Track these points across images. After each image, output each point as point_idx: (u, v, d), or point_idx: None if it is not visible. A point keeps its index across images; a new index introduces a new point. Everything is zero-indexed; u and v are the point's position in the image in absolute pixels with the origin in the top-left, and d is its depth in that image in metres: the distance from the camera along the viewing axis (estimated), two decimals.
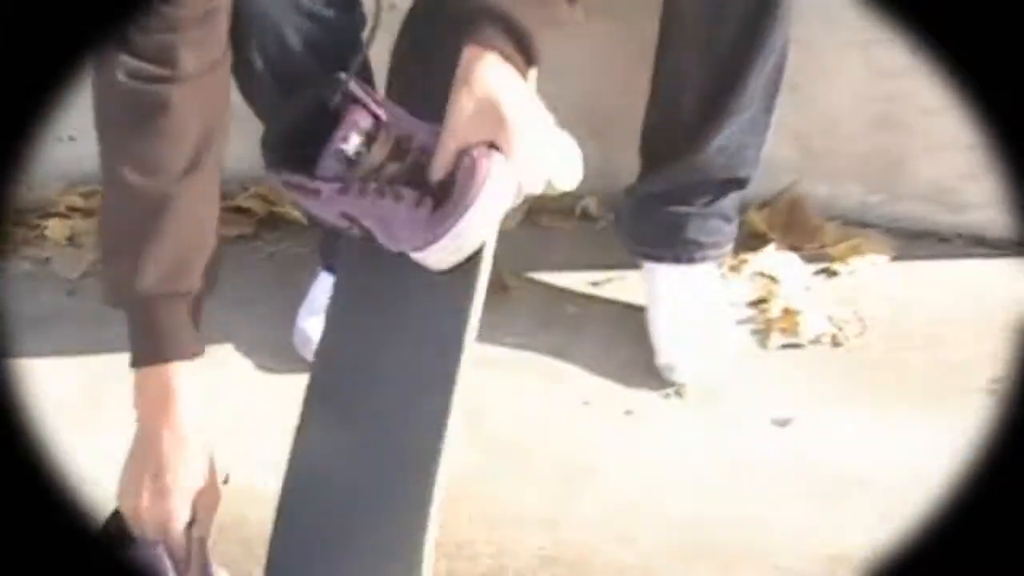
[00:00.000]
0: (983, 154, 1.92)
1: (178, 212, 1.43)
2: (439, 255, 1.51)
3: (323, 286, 1.89)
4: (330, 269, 1.89)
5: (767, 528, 1.58)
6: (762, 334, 1.91)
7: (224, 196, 2.05)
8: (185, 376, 1.43)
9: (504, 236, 2.01)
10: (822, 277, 2.01)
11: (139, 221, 1.43)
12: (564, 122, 1.73)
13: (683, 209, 1.92)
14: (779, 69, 1.86)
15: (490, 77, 1.44)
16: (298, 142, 1.50)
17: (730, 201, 1.93)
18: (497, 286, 1.93)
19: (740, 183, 1.91)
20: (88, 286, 2.07)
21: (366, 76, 1.73)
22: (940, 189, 2.06)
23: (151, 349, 1.44)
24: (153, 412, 1.43)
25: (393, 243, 1.53)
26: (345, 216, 1.53)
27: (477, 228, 1.52)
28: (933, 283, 1.99)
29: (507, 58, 1.44)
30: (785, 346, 1.89)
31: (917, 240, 2.06)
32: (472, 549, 1.63)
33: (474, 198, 1.51)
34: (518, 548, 1.63)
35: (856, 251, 2.02)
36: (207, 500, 1.43)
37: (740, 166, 1.90)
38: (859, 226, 2.08)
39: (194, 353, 1.45)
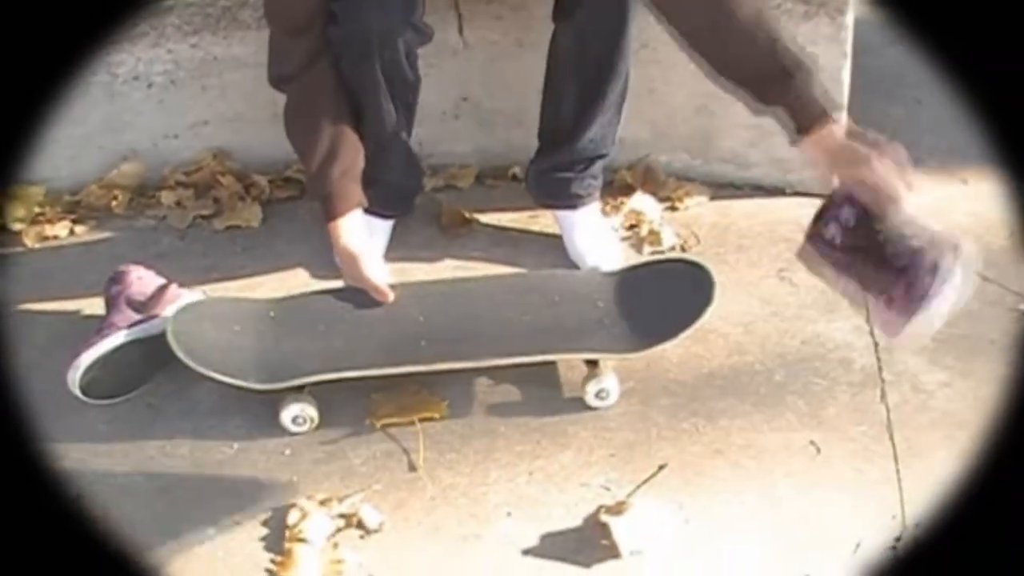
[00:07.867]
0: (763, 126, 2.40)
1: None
2: (912, 336, 1.74)
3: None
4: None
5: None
6: (637, 246, 2.53)
7: (272, 171, 2.69)
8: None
9: (463, 190, 2.67)
10: (668, 212, 2.62)
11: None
12: (511, 121, 2.38)
13: (567, 175, 2.43)
14: (625, 86, 2.31)
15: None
16: None
17: (597, 167, 2.44)
18: (462, 221, 2.56)
19: (603, 156, 2.43)
20: (193, 233, 2.60)
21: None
22: (735, 155, 2.64)
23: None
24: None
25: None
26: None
27: (935, 316, 1.68)
28: (735, 214, 2.62)
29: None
30: (652, 252, 2.50)
31: (722, 188, 2.68)
32: None
33: (933, 290, 1.66)
34: None
35: (688, 195, 2.65)
36: None
37: (603, 147, 2.41)
38: (686, 180, 2.69)
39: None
